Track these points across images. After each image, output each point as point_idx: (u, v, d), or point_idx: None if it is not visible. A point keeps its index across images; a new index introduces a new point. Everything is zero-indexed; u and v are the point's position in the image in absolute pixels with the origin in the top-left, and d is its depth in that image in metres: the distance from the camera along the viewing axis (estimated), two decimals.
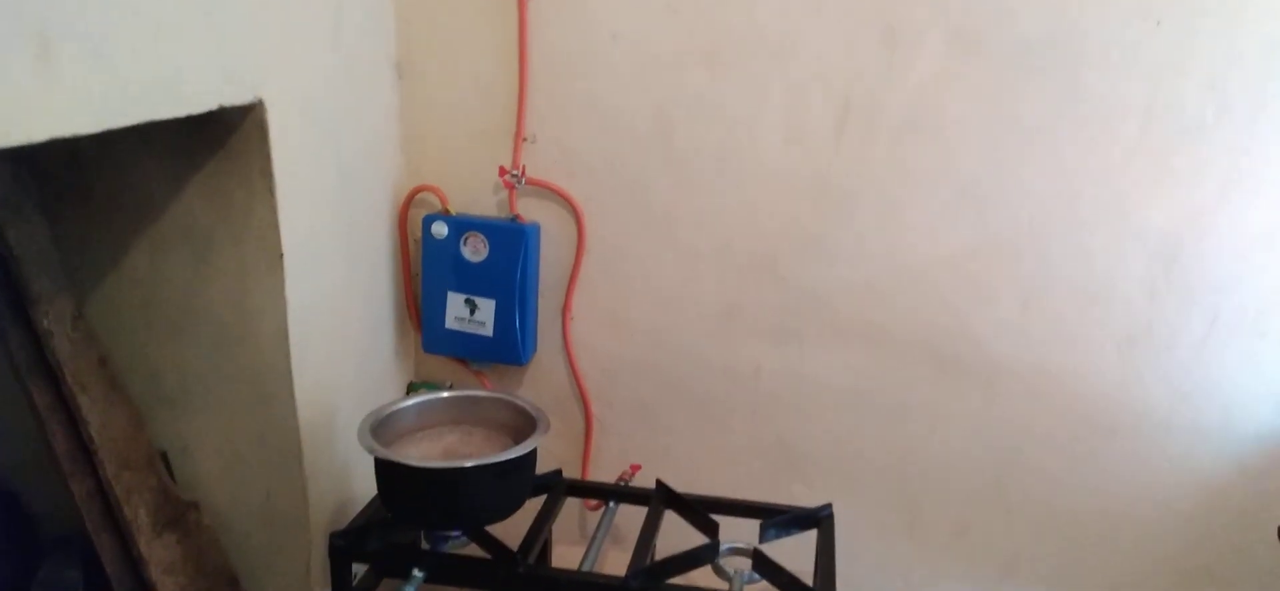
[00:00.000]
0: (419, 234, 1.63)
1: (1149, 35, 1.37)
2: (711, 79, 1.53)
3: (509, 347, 1.63)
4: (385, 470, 1.21)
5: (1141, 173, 1.44)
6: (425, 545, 1.34)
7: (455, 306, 1.62)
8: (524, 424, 1.31)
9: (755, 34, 1.49)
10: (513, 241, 1.58)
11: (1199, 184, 1.43)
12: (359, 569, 1.32)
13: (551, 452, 1.77)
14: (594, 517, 1.81)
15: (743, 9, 1.48)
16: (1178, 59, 1.37)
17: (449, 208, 1.61)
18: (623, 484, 1.63)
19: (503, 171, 1.59)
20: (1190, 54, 1.37)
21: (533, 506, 1.38)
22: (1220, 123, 1.39)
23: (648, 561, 1.29)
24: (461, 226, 1.59)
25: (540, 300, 1.69)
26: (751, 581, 1.29)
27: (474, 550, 1.27)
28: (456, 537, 1.32)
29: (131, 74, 0.92)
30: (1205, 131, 1.40)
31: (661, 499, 1.45)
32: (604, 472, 1.78)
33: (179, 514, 1.27)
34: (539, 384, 1.75)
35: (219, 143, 1.17)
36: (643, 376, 1.72)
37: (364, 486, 1.45)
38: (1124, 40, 1.38)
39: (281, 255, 1.21)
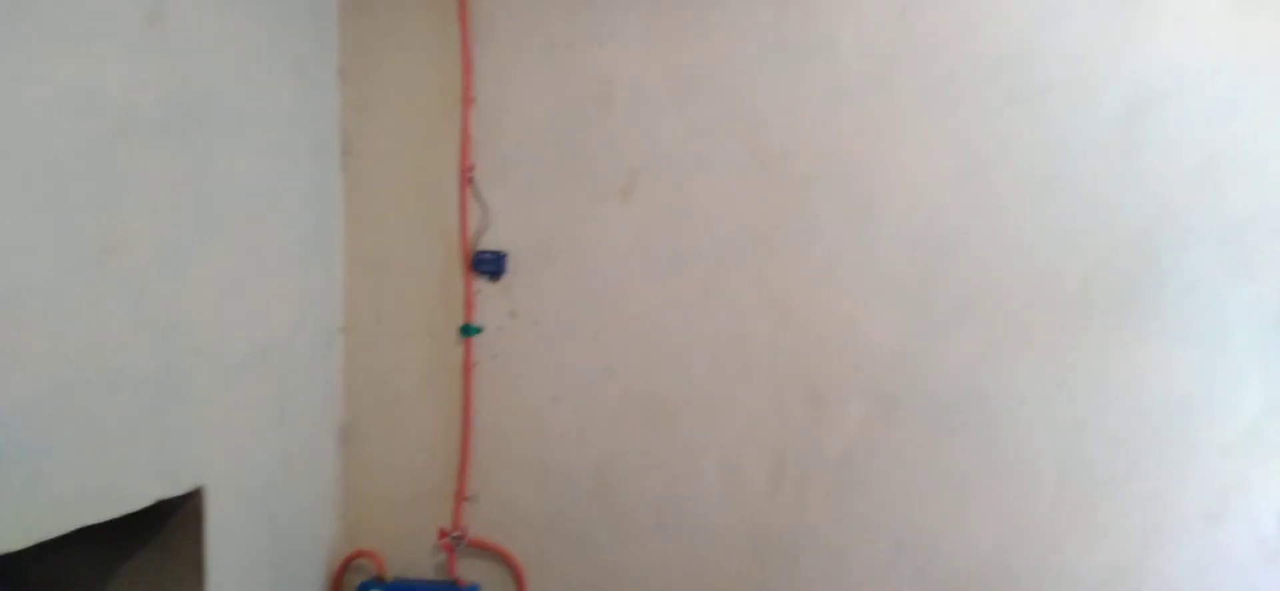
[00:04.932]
0: None
1: (1053, 396, 1.47)
2: (650, 436, 1.58)
3: None
4: None
5: (1065, 525, 1.48)
6: None
7: None
8: None
9: (690, 394, 1.57)
10: None
11: (1120, 536, 1.47)
12: None
13: None
14: None
15: (677, 372, 1.57)
16: (1083, 416, 1.47)
17: (386, 573, 1.57)
18: None
19: (443, 534, 1.58)
20: (1095, 412, 1.47)
21: None
22: (1131, 476, 1.46)
23: None
24: None
25: None
26: None
27: None
28: None
29: (70, 485, 0.93)
30: (1118, 485, 1.46)
31: None
32: None
33: None
34: None
35: (153, 531, 1.15)
36: None
37: None
38: (1032, 399, 1.48)
39: None
